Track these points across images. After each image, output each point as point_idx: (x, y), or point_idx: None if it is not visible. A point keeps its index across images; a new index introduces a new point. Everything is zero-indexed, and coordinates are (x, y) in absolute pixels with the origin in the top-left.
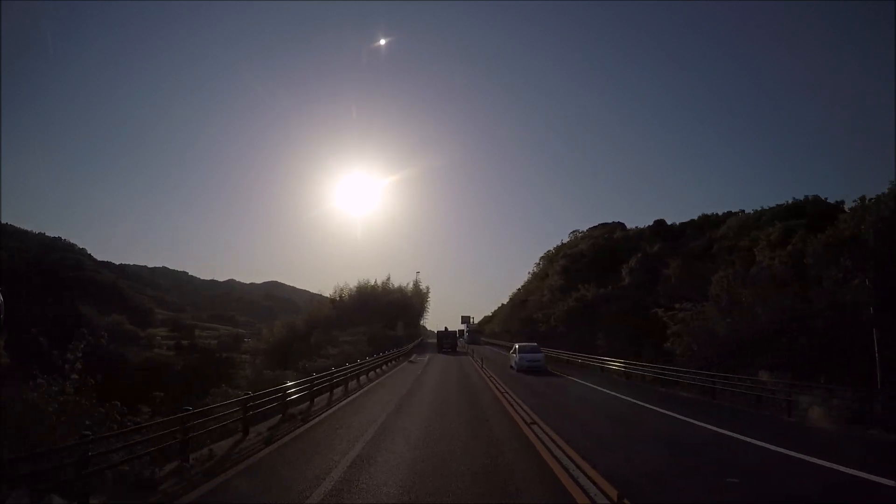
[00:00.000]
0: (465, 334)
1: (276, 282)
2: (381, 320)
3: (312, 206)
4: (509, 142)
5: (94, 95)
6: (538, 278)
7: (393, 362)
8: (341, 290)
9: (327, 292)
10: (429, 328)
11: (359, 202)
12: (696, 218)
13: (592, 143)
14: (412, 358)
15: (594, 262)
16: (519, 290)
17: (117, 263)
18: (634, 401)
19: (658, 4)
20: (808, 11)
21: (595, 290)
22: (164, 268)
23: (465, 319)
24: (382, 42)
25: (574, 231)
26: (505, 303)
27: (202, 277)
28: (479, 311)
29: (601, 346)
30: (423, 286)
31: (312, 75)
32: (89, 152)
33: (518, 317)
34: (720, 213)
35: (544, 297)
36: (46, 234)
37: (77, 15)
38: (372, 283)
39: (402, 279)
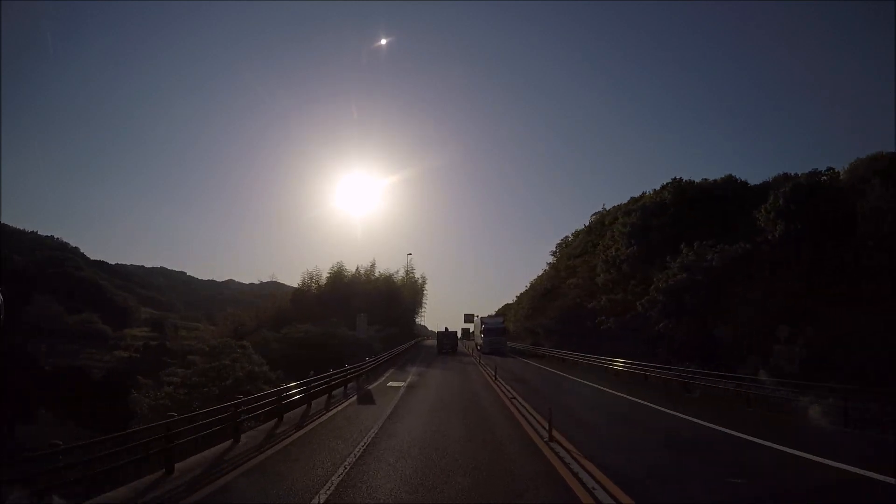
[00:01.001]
0: (481, 336)
1: (276, 281)
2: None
3: (313, 207)
4: (509, 141)
5: (94, 95)
6: (570, 257)
7: (321, 401)
8: (310, 276)
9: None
10: (430, 328)
11: (359, 202)
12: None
13: (592, 142)
14: (375, 385)
15: (685, 215)
16: (540, 277)
17: (112, 263)
18: None
19: (659, 4)
20: (808, 11)
21: (719, 248)
22: (163, 268)
23: (469, 318)
24: (383, 42)
25: (596, 213)
26: (518, 296)
27: (201, 278)
28: (484, 311)
29: (793, 351)
30: (417, 275)
31: (312, 75)
32: (89, 152)
33: (553, 308)
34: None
35: (598, 276)
36: (38, 232)
37: (77, 15)
38: (353, 270)
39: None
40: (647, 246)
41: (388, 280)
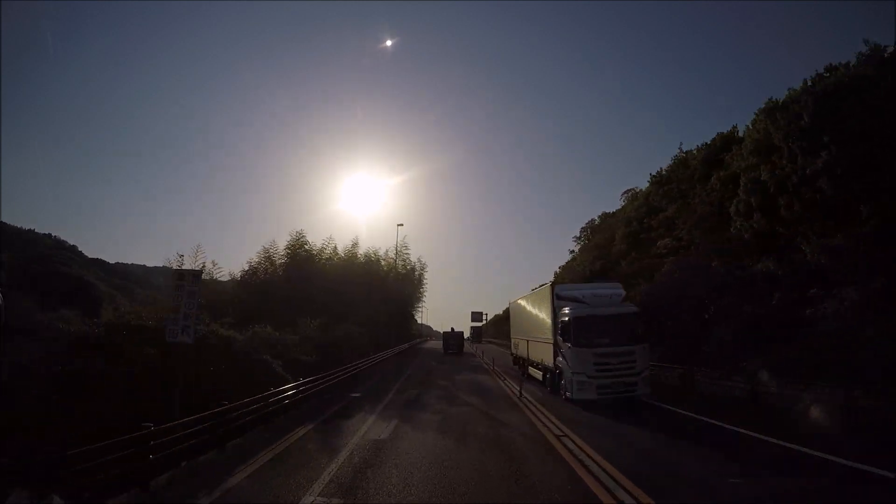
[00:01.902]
0: (563, 350)
1: None
2: (321, 309)
3: (317, 208)
4: (513, 141)
5: (95, 95)
6: (632, 221)
7: None
8: (267, 255)
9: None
10: (435, 329)
11: (364, 204)
12: None
13: (593, 143)
14: None
15: None
16: (574, 261)
17: (112, 262)
18: None
19: (662, 4)
20: (807, 11)
21: None
22: (165, 267)
23: (478, 316)
24: (388, 43)
25: (627, 190)
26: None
27: (203, 277)
28: (493, 309)
29: None
30: (412, 257)
31: (314, 76)
32: (89, 152)
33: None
34: None
35: (736, 224)
36: (36, 230)
37: (77, 15)
38: (318, 246)
39: (387, 257)
40: (852, 145)
41: (372, 263)
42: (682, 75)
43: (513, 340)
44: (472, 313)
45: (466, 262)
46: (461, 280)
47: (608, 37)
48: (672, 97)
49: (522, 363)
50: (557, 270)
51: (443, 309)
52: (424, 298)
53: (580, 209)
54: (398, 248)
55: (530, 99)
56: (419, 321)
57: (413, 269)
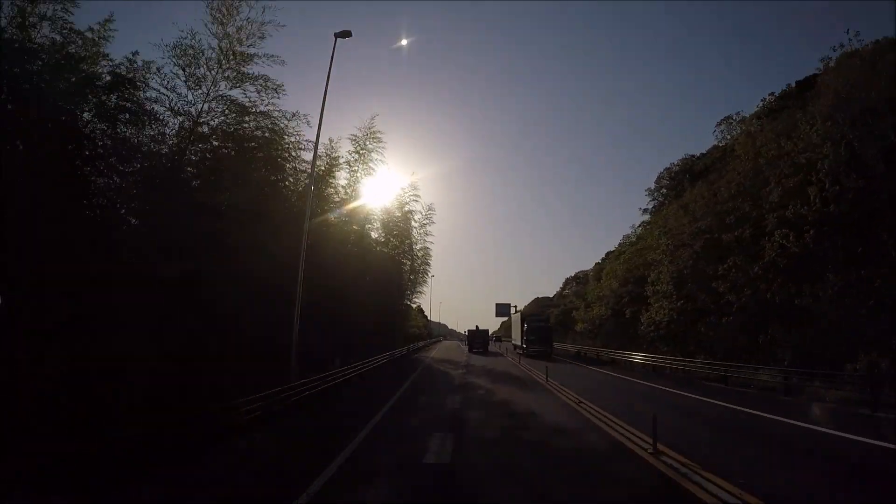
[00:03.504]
0: None
1: None
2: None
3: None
4: (535, 139)
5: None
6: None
7: None
8: None
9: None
10: (449, 327)
11: (380, 202)
12: None
13: (601, 144)
14: None
15: None
16: (639, 227)
17: None
18: None
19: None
20: (808, 11)
21: None
22: None
23: (504, 309)
24: (404, 42)
25: (724, 119)
26: (596, 268)
27: None
28: (520, 302)
29: None
30: (404, 192)
31: (320, 77)
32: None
33: None
34: None
35: None
36: None
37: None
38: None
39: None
40: None
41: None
42: (687, 71)
43: None
44: (497, 306)
45: (487, 259)
46: (481, 278)
47: (607, 37)
48: (676, 95)
49: None
50: (611, 249)
51: (463, 307)
52: (431, 273)
53: (601, 206)
54: (360, 148)
55: (552, 95)
56: (429, 317)
57: (407, 213)
